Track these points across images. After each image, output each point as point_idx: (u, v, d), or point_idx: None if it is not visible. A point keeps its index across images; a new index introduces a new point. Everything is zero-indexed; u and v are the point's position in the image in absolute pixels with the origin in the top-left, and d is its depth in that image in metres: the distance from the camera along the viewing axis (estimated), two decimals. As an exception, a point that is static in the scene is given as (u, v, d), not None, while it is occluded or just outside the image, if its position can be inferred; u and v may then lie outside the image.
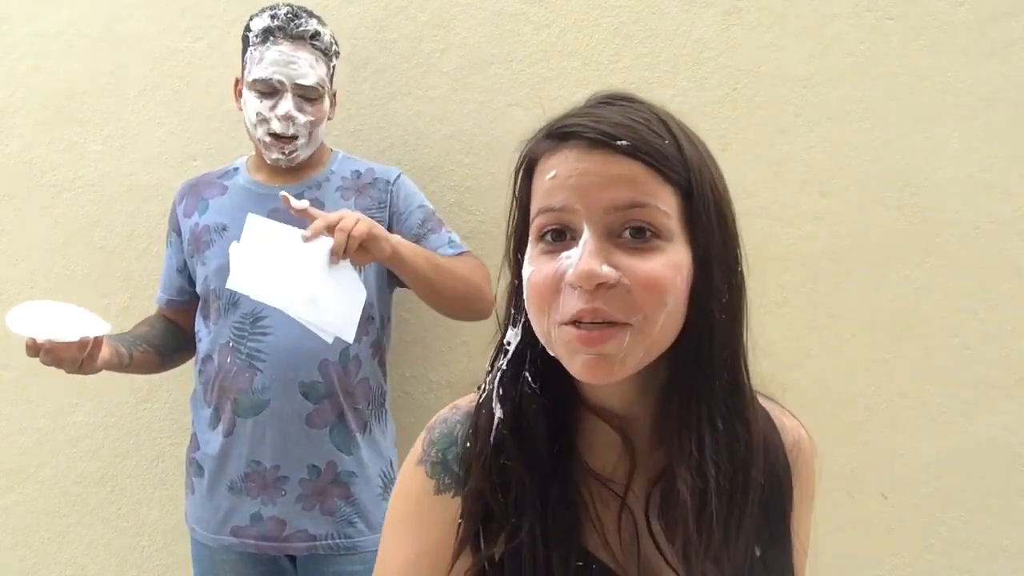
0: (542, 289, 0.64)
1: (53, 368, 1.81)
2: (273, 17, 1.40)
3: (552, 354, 0.67)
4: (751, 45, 1.62)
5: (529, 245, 0.67)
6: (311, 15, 1.44)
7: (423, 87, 1.71)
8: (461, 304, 1.46)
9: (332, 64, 1.48)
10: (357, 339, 1.40)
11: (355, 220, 1.26)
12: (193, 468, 1.49)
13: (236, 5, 1.71)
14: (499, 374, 0.72)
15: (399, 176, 1.53)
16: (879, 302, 1.62)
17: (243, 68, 1.44)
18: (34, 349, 1.25)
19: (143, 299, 1.76)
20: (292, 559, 1.47)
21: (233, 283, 1.28)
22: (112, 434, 1.82)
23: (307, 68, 1.39)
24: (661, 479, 0.68)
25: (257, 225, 1.28)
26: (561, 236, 0.65)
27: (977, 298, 1.59)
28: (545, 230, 0.65)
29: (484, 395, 0.72)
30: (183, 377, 1.75)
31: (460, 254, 1.49)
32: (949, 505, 1.62)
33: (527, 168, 0.70)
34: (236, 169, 1.54)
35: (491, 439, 0.70)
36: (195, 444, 1.50)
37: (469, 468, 0.71)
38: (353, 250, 1.25)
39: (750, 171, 1.64)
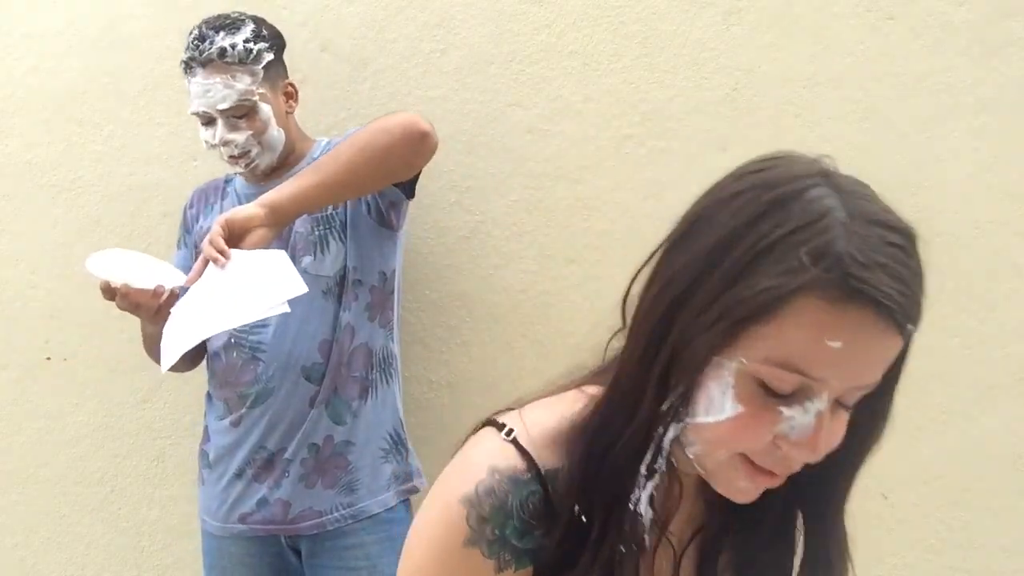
0: (750, 438, 0.59)
1: (53, 367, 1.81)
2: (187, 47, 1.41)
3: (697, 464, 0.64)
4: (751, 45, 1.62)
5: (739, 376, 0.58)
6: (219, 28, 1.41)
7: (423, 87, 1.71)
8: (385, 164, 1.37)
9: (261, 65, 1.43)
10: (346, 307, 1.45)
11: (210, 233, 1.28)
12: (203, 460, 1.53)
13: (236, 5, 1.70)
14: (647, 468, 0.65)
15: None
16: (879, 302, 1.62)
17: None
18: (110, 292, 1.29)
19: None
20: (299, 554, 1.48)
21: (166, 361, 1.29)
22: (112, 434, 1.82)
23: (223, 91, 1.39)
24: (701, 531, 0.70)
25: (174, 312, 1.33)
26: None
27: (977, 298, 1.59)
28: (777, 384, 0.57)
29: (629, 471, 0.66)
30: (183, 377, 1.75)
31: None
32: (949, 505, 1.62)
33: (784, 296, 0.55)
34: (237, 174, 1.57)
35: (632, 504, 0.65)
36: (206, 437, 1.53)
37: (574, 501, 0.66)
38: (220, 246, 1.25)
39: (750, 171, 1.64)
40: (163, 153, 1.76)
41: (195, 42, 1.40)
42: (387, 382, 1.51)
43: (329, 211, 1.46)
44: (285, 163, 1.52)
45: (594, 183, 1.68)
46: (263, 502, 1.44)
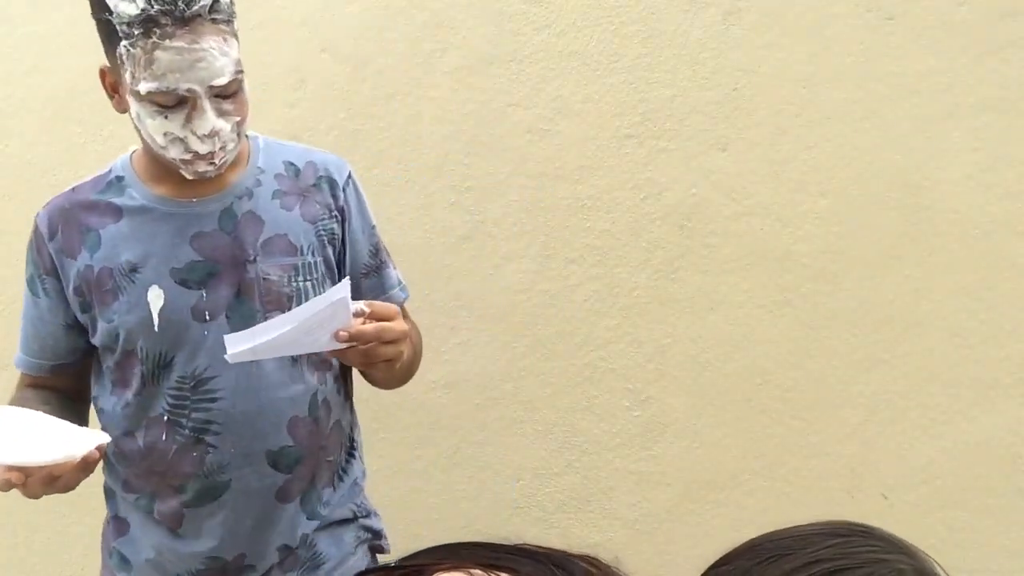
0: None
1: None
2: None
3: None
4: (751, 45, 1.62)
5: None
6: None
7: (423, 87, 1.71)
8: (404, 379, 1.23)
9: (236, 25, 1.04)
10: (322, 380, 1.16)
11: (396, 337, 1.01)
12: (116, 560, 1.18)
13: (236, 5, 1.71)
14: None
15: (349, 176, 1.21)
16: (879, 302, 1.62)
17: (116, 66, 1.02)
18: (18, 476, 0.93)
19: (143, 299, 1.76)
20: None
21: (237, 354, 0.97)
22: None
23: (219, 60, 0.98)
24: None
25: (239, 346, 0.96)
26: None
27: (977, 298, 1.58)
28: None
29: None
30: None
31: (404, 300, 1.26)
32: (949, 505, 1.62)
33: None
34: (120, 179, 1.13)
35: None
36: (116, 529, 1.18)
37: None
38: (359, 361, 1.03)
39: (750, 171, 1.64)
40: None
41: None
42: (353, 458, 1.26)
43: (308, 259, 1.13)
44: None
45: (594, 183, 1.68)
46: None
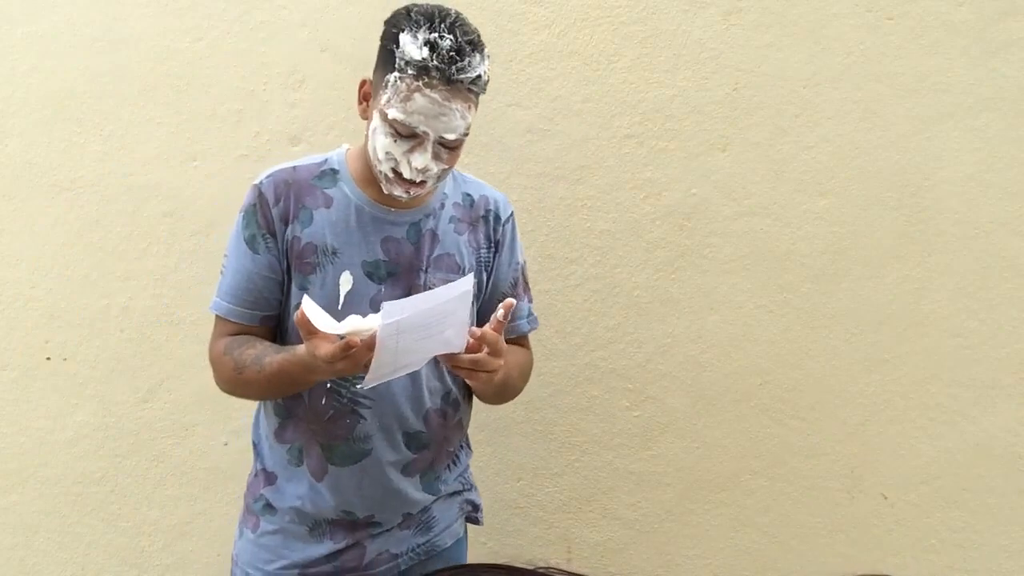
0: None
1: (53, 367, 1.81)
2: (433, 49, 1.13)
3: None
4: (751, 45, 1.62)
5: None
6: (474, 47, 1.17)
7: (423, 87, 1.71)
8: (502, 398, 1.39)
9: (481, 98, 1.24)
10: (455, 382, 1.33)
11: (503, 350, 1.17)
12: (261, 506, 1.34)
13: (236, 5, 1.71)
14: None
15: (511, 215, 1.39)
16: (879, 302, 1.62)
17: (379, 85, 1.19)
18: (346, 347, 1.07)
19: (143, 299, 1.76)
20: None
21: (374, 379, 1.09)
22: (112, 434, 1.81)
23: (458, 120, 1.17)
24: None
25: (396, 312, 1.05)
26: None
27: (977, 298, 1.59)
28: None
29: None
30: (184, 376, 1.75)
31: (529, 331, 1.44)
32: (949, 505, 1.62)
33: None
34: (335, 172, 1.30)
35: None
36: (265, 479, 1.34)
37: None
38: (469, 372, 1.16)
39: (750, 171, 1.64)
40: (163, 153, 1.76)
41: (450, 54, 1.14)
42: (462, 447, 1.43)
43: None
44: None
45: (594, 183, 1.68)
46: (334, 555, 1.30)
